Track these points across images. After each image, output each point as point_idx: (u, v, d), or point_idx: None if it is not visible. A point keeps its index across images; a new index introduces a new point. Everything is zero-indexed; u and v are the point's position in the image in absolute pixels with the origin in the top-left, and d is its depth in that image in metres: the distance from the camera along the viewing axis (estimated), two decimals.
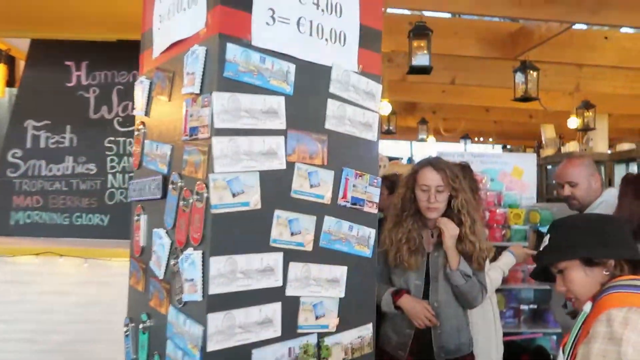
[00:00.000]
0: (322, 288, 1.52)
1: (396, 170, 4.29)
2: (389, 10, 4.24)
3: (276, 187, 1.41)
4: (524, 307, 3.80)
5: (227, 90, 1.31)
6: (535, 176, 4.82)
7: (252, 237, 1.38)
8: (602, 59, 4.98)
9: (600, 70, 5.43)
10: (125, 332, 1.73)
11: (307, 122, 1.47)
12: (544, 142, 7.46)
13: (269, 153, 1.39)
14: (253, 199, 1.36)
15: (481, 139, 8.56)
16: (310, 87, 1.47)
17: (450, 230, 1.92)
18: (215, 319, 1.31)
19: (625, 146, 6.04)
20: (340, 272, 1.56)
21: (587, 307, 1.21)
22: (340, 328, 1.56)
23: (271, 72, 1.38)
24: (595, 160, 5.62)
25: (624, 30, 4.82)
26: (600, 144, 6.78)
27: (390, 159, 7.35)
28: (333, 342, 1.55)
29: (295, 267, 1.46)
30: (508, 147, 8.70)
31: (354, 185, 1.58)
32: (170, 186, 1.53)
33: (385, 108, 5.26)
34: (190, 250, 1.36)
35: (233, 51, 1.31)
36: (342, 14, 1.52)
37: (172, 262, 1.47)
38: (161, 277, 1.54)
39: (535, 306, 3.81)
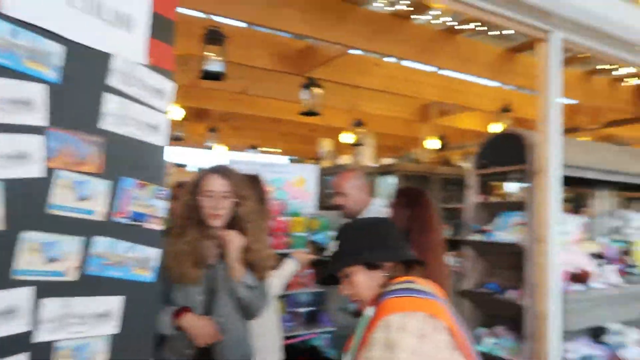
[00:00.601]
0: (88, 326, 1.23)
1: (184, 178, 4.02)
2: (182, 10, 3.98)
3: (29, 200, 1.08)
4: (301, 310, 3.96)
5: None
6: (315, 186, 5.13)
7: None
8: (372, 83, 5.61)
9: (371, 93, 6.13)
10: None
11: (77, 120, 1.17)
12: (321, 154, 8.12)
13: (19, 156, 1.05)
14: None
15: (269, 149, 8.87)
16: (84, 76, 1.18)
17: (235, 242, 1.83)
18: None
19: (387, 161, 6.97)
20: (113, 303, 1.29)
21: (370, 311, 1.24)
22: None
23: (28, 51, 1.05)
24: (364, 173, 6.25)
25: (388, 59, 5.52)
26: (368, 158, 7.68)
27: (177, 166, 6.99)
28: None
29: (50, 304, 1.14)
30: (294, 158, 9.20)
31: (134, 198, 1.33)
32: None
33: (177, 112, 4.93)
34: None
35: None
36: None
37: None
38: None
39: (312, 308, 4.01)
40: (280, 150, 9.11)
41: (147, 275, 1.38)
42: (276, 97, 5.96)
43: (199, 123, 6.93)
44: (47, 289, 1.13)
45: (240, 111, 6.48)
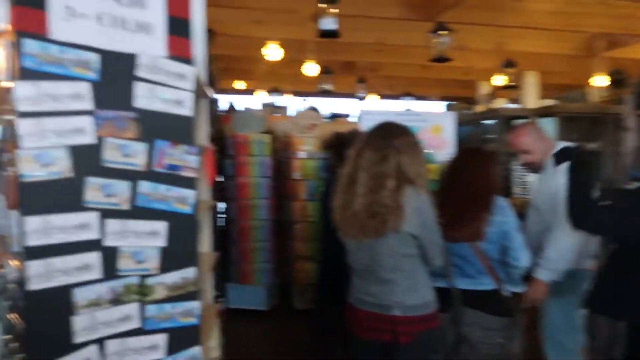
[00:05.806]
0: (141, 239, 1.84)
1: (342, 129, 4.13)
2: None
3: (87, 158, 1.70)
4: None
5: (28, 79, 1.57)
6: (453, 133, 5.16)
7: (66, 200, 1.68)
8: (518, 20, 5.21)
9: (520, 31, 5.66)
10: None
11: (116, 102, 1.74)
12: (479, 98, 7.75)
13: (77, 130, 1.67)
14: (62, 169, 1.65)
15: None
16: (117, 72, 1.73)
17: None
18: (34, 266, 1.63)
19: (546, 102, 6.37)
20: (160, 226, 1.88)
21: None
22: (163, 270, 1.90)
23: (73, 62, 1.64)
24: (518, 116, 5.97)
25: None
26: (530, 100, 7.09)
27: (334, 116, 7.57)
28: (155, 282, 1.89)
29: (112, 223, 1.77)
30: (452, 103, 8.97)
31: (168, 154, 1.87)
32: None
33: (313, 69, 5.45)
34: (13, 212, 1.66)
35: (30, 45, 1.56)
36: (146, 6, 1.76)
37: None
38: None
39: None
40: (435, 96, 8.99)
41: (186, 208, 1.94)
42: (413, 45, 5.98)
43: (348, 75, 7.36)
44: (108, 214, 1.76)
45: (385, 60, 6.68)
